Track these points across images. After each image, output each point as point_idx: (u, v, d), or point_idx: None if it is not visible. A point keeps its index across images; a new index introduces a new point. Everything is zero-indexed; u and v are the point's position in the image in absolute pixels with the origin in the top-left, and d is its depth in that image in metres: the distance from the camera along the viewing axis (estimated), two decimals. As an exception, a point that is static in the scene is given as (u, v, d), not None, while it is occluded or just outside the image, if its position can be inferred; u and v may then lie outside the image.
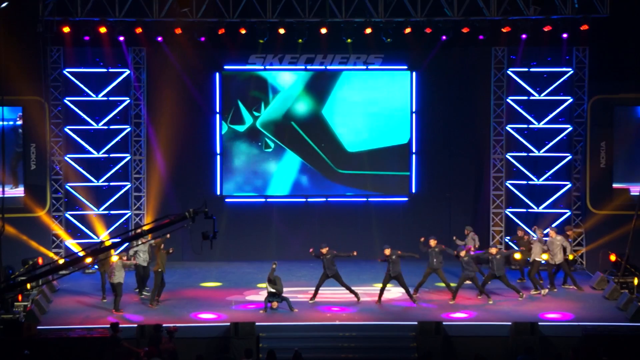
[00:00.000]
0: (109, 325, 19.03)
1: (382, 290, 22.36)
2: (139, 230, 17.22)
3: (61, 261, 24.91)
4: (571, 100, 26.25)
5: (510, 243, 26.51)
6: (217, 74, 26.48)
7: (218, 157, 26.67)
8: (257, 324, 19.96)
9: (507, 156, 26.60)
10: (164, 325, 18.99)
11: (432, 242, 22.63)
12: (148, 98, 26.26)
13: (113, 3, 24.35)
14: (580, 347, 18.48)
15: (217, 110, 26.56)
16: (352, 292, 22.42)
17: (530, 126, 26.50)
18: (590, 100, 26.06)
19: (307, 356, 17.83)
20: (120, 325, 19.36)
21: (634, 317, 20.95)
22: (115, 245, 17.72)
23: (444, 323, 20.24)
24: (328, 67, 26.46)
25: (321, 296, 22.71)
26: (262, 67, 26.37)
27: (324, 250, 22.25)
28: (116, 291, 21.58)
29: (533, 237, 24.26)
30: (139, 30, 24.72)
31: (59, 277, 23.21)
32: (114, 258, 21.78)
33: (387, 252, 22.13)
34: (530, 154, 26.55)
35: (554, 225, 26.36)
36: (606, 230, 25.66)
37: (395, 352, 20.05)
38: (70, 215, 26.10)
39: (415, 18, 24.80)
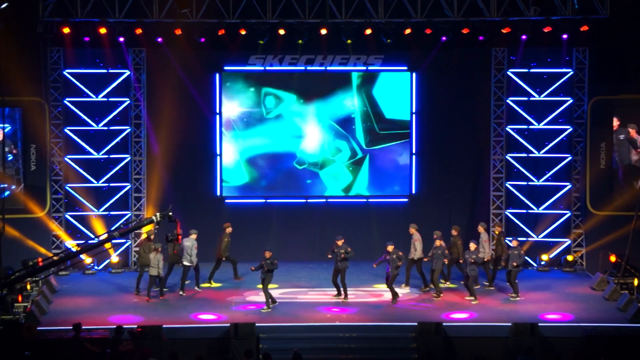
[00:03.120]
0: (114, 326, 19.11)
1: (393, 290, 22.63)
2: (114, 234, 17.56)
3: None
4: (571, 101, 26.25)
5: (509, 243, 26.49)
6: (217, 75, 26.48)
7: (218, 157, 26.67)
8: (257, 324, 19.96)
9: (507, 157, 26.59)
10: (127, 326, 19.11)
11: (438, 243, 23.04)
12: (148, 99, 26.25)
13: (113, 4, 24.35)
14: (580, 348, 18.50)
15: (217, 111, 26.55)
16: (344, 290, 22.57)
17: (530, 127, 26.50)
18: (590, 101, 26.07)
19: (307, 357, 17.81)
20: (122, 326, 19.40)
21: (634, 318, 20.96)
22: (87, 249, 17.98)
23: (444, 324, 20.26)
24: (328, 68, 26.46)
25: (322, 297, 22.75)
26: (262, 68, 26.37)
27: (340, 242, 22.53)
28: (150, 280, 22.79)
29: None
30: (138, 31, 24.72)
31: (58, 269, 23.18)
32: (152, 253, 22.73)
33: (390, 248, 22.47)
34: (530, 155, 26.55)
35: (553, 226, 26.51)
36: (606, 231, 25.66)
37: (395, 352, 20.07)
38: (70, 216, 26.09)
39: (415, 19, 24.81)
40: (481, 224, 24.34)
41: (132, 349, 18.01)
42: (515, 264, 22.68)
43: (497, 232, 24.66)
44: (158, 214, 17.40)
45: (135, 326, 19.46)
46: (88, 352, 18.19)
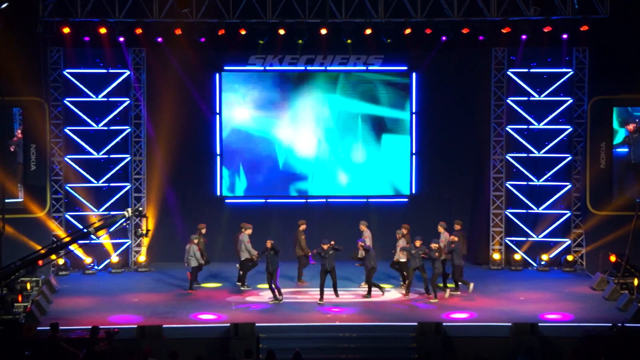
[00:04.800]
0: (114, 326, 19.13)
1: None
2: (90, 229, 17.81)
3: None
4: (571, 101, 26.25)
5: (510, 244, 26.54)
6: (217, 75, 26.48)
7: (218, 157, 26.67)
8: (257, 324, 19.96)
9: (507, 157, 26.59)
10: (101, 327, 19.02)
11: (418, 243, 22.84)
12: (148, 99, 26.27)
13: (113, 4, 24.36)
14: (580, 348, 18.48)
15: (217, 111, 26.56)
16: (335, 289, 22.61)
17: (530, 127, 26.49)
18: (590, 101, 26.06)
19: (307, 357, 17.78)
20: (122, 326, 19.40)
21: (634, 318, 20.94)
22: (69, 243, 18.33)
23: (444, 324, 20.24)
24: (328, 68, 26.47)
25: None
26: (262, 68, 26.38)
27: (326, 246, 22.38)
28: (191, 273, 23.61)
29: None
30: (139, 30, 24.72)
31: (58, 269, 23.22)
32: (187, 245, 23.54)
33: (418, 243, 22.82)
34: (530, 155, 26.54)
35: (553, 226, 26.50)
36: (606, 231, 25.63)
37: (396, 352, 20.05)
38: (70, 216, 26.08)
39: (415, 19, 24.81)
40: (441, 224, 24.17)
41: (108, 350, 17.99)
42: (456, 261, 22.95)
43: (457, 229, 24.48)
44: (129, 209, 18.11)
45: (112, 327, 19.39)
46: (65, 352, 18.16)
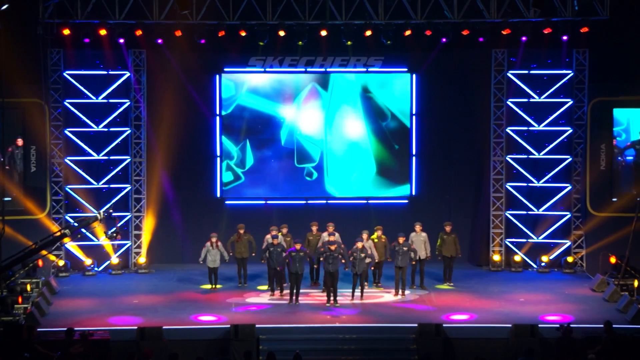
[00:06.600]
0: (114, 327, 19.11)
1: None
2: (66, 231, 17.91)
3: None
4: (571, 102, 26.26)
5: (510, 245, 26.55)
6: (217, 76, 26.50)
7: (218, 159, 26.68)
8: (257, 326, 19.96)
9: (507, 158, 26.59)
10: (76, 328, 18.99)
11: (401, 240, 23.22)
12: (148, 100, 26.28)
13: (113, 5, 24.37)
14: (580, 349, 18.47)
15: (217, 112, 26.57)
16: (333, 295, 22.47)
17: (530, 128, 26.50)
18: (590, 103, 26.08)
19: (307, 358, 17.83)
20: (122, 328, 19.37)
21: (634, 320, 20.95)
22: (49, 243, 18.42)
23: (444, 325, 20.26)
24: (328, 70, 26.49)
25: (322, 298, 22.74)
26: (262, 70, 26.39)
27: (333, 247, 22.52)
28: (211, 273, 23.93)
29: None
30: (139, 32, 24.73)
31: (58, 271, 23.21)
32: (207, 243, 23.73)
33: (401, 240, 23.11)
34: (530, 156, 26.54)
35: (553, 228, 26.49)
36: (606, 233, 25.63)
37: (396, 354, 20.06)
38: (70, 217, 26.08)
39: (415, 20, 24.81)
40: (417, 224, 24.20)
41: (83, 352, 17.97)
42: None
43: (447, 230, 24.44)
44: (102, 210, 18.43)
45: (88, 329, 19.35)
46: (39, 355, 18.13)
